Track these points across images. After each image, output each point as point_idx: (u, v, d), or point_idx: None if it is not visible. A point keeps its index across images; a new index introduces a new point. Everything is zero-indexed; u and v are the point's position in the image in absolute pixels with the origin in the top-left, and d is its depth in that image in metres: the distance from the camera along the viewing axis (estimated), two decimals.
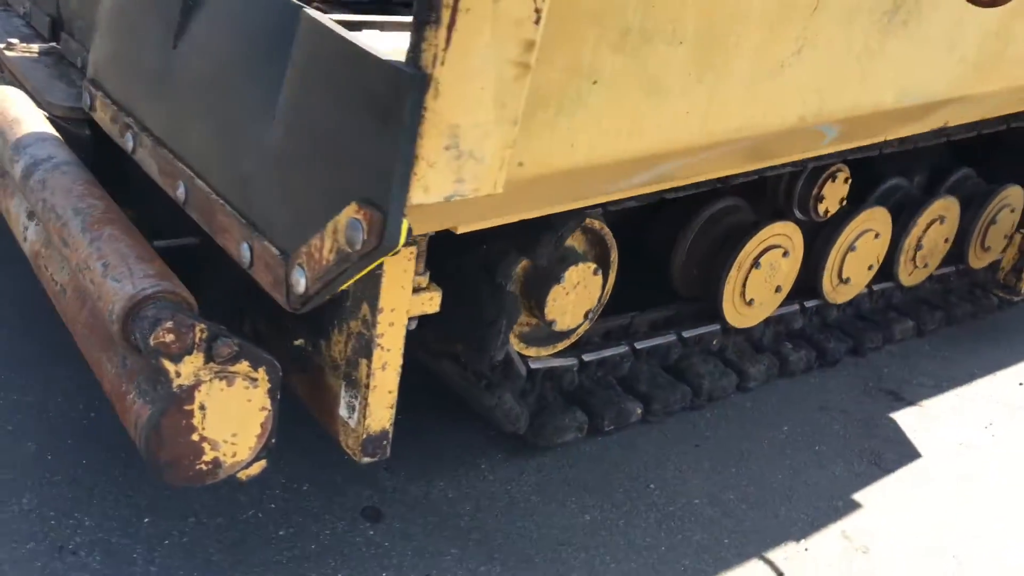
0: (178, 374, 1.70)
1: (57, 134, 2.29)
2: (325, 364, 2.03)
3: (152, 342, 1.66)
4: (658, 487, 2.75)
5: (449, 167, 1.53)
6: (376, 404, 1.93)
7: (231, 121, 1.87)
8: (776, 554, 2.56)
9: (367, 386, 1.91)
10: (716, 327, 3.15)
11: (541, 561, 2.40)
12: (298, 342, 2.09)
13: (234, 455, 1.82)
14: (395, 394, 1.95)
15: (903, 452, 3.11)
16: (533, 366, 2.68)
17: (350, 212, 1.53)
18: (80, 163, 2.17)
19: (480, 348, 2.33)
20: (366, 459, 1.97)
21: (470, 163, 1.55)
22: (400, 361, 1.92)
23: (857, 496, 2.85)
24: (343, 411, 1.99)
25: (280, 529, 2.35)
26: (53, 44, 2.90)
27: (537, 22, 1.51)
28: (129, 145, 2.22)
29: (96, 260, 1.87)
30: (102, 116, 2.34)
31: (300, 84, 1.68)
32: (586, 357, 2.87)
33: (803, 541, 2.63)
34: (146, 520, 2.30)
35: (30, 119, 2.33)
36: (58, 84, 2.72)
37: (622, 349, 2.98)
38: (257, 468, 1.89)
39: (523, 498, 2.62)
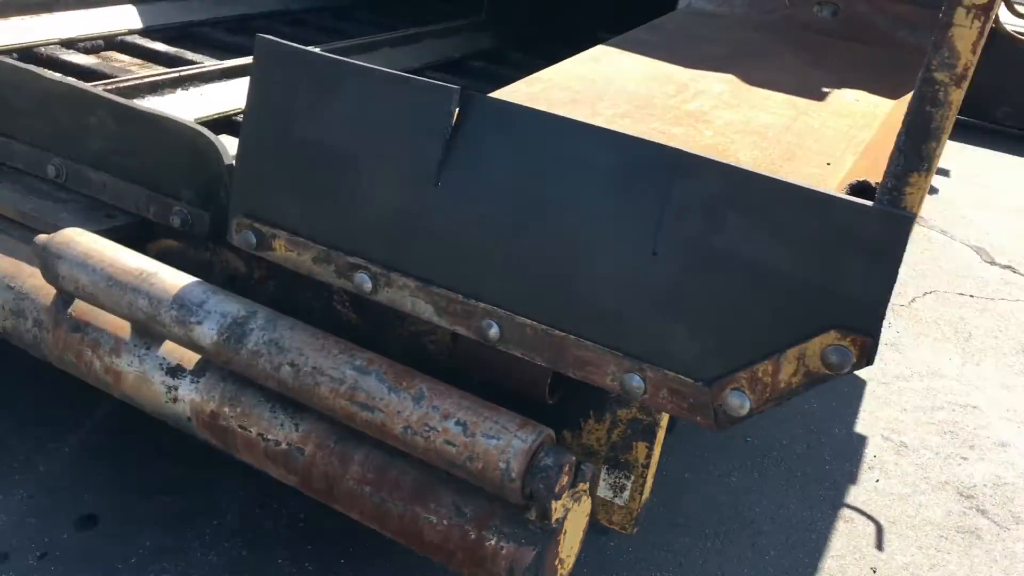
0: (555, 509, 1.54)
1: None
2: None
3: (557, 489, 1.50)
4: (779, 454, 2.91)
5: None
6: (650, 479, 1.86)
7: (567, 258, 1.63)
8: (865, 461, 2.85)
9: (646, 466, 1.82)
10: None
11: (768, 534, 2.50)
12: None
13: (568, 567, 1.70)
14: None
15: (899, 377, 3.52)
16: None
17: (829, 339, 1.46)
18: (279, 312, 1.77)
19: None
20: (636, 529, 1.90)
21: None
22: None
23: (887, 412, 3.22)
24: (605, 492, 1.88)
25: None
26: None
27: None
28: (367, 286, 1.82)
29: (443, 420, 1.59)
30: (295, 256, 1.86)
31: (706, 222, 1.51)
32: None
33: (871, 460, 2.94)
34: None
35: (157, 267, 1.80)
36: (52, 206, 2.01)
37: None
38: None
39: (714, 482, 2.64)
